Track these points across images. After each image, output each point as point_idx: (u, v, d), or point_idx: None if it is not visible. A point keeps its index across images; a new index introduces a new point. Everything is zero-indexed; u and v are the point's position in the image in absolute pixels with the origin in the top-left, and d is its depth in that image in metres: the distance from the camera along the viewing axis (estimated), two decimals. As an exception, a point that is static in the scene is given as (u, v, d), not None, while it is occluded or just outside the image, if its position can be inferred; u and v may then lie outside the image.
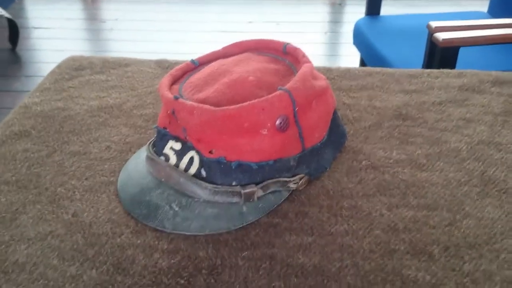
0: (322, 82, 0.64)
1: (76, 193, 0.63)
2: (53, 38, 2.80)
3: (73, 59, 0.92)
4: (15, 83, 2.51)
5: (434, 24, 1.40)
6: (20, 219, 0.59)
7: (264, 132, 0.57)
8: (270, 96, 0.57)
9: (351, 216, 0.59)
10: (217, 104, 0.58)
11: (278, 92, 0.57)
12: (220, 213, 0.58)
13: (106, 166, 0.67)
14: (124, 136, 0.72)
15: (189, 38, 2.76)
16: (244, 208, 0.59)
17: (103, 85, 0.85)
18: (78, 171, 0.66)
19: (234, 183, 0.59)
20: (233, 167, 0.58)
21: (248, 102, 0.56)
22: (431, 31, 1.38)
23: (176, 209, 0.58)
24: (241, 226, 0.57)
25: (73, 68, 0.89)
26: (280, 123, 0.57)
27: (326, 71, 0.88)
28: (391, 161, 0.67)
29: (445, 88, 0.83)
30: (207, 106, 0.57)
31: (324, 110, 0.64)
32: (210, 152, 0.58)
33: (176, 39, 2.75)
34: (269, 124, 0.57)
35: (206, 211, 0.58)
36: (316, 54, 2.63)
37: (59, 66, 0.90)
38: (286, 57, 0.68)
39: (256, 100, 0.57)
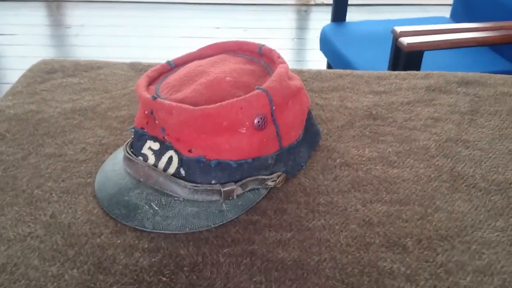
0: (297, 82, 0.66)
1: (53, 195, 0.62)
2: (18, 45, 2.75)
3: (44, 62, 0.91)
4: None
5: (398, 29, 1.44)
6: (-2, 221, 0.58)
7: (243, 130, 0.59)
8: (248, 95, 0.58)
9: (327, 212, 0.60)
10: (195, 104, 0.59)
11: (255, 92, 0.59)
12: (200, 212, 0.59)
13: (82, 167, 0.67)
14: (99, 138, 0.73)
15: (157, 44, 2.76)
16: (224, 206, 0.60)
17: (76, 87, 0.84)
18: (54, 173, 0.66)
19: (213, 182, 0.60)
20: (213, 166, 0.59)
21: (226, 101, 0.57)
22: (396, 36, 1.42)
23: (156, 208, 0.59)
24: (221, 223, 0.58)
25: (44, 71, 0.89)
26: (258, 121, 0.59)
27: (298, 72, 0.89)
28: (364, 158, 0.69)
29: (412, 89, 0.85)
30: (185, 106, 0.57)
31: (299, 109, 0.65)
32: (189, 151, 0.59)
33: (144, 44, 2.74)
34: (247, 123, 0.58)
35: (186, 210, 0.59)
36: (283, 60, 2.66)
37: (30, 70, 0.89)
38: (261, 58, 0.69)
39: (234, 99, 0.58)
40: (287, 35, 2.93)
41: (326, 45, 1.90)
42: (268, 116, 0.60)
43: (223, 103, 0.57)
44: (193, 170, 0.59)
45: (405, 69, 1.45)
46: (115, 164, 0.66)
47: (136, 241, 0.56)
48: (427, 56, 1.39)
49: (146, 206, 0.59)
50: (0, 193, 0.62)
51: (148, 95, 0.60)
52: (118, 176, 0.63)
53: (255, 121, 0.59)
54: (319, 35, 1.97)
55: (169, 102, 0.58)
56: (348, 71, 0.90)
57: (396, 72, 0.90)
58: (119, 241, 0.56)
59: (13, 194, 0.62)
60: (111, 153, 0.70)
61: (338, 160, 0.69)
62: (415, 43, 1.39)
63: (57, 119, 0.76)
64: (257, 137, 0.60)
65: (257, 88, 0.59)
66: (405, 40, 1.39)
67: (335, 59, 1.82)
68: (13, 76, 2.49)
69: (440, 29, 1.51)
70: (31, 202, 0.61)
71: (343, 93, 0.84)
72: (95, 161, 0.68)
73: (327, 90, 0.85)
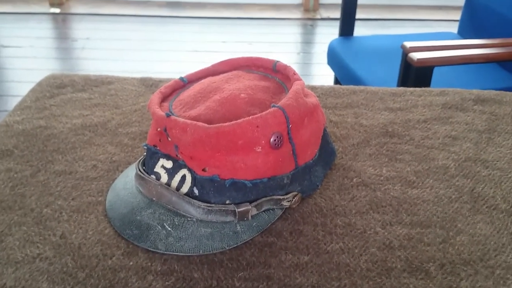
0: (313, 99, 0.64)
1: (63, 213, 0.61)
2: (24, 57, 2.75)
3: (53, 76, 0.90)
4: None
5: (408, 44, 1.42)
6: (6, 242, 0.56)
7: (258, 149, 0.57)
8: (264, 113, 0.57)
9: (346, 234, 0.58)
10: (209, 122, 0.58)
11: (272, 109, 0.57)
12: (214, 233, 0.57)
13: (93, 185, 0.65)
14: (110, 154, 0.71)
15: (164, 57, 2.75)
16: (238, 227, 0.58)
17: (86, 103, 0.83)
18: (64, 191, 0.64)
19: (227, 202, 0.58)
20: (227, 185, 0.57)
21: (242, 119, 0.56)
22: (406, 51, 1.41)
23: (169, 229, 0.57)
24: (235, 246, 0.56)
25: (54, 86, 0.87)
26: (274, 140, 0.57)
27: (310, 89, 0.88)
28: (382, 178, 0.67)
29: (428, 106, 0.84)
30: (200, 124, 0.56)
31: (315, 127, 0.64)
32: (203, 170, 0.57)
33: (151, 58, 2.74)
34: (263, 142, 0.57)
35: (200, 231, 0.57)
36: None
37: (39, 84, 0.88)
38: (276, 75, 0.68)
39: (250, 117, 0.56)
40: (293, 49, 2.92)
41: (333, 59, 1.89)
42: (284, 135, 0.58)
43: (238, 121, 0.56)
44: (207, 189, 0.58)
45: (415, 85, 1.43)
46: (126, 183, 0.64)
47: (149, 263, 0.54)
48: (435, 72, 1.38)
49: (159, 227, 0.57)
50: (7, 212, 0.61)
51: (161, 112, 0.59)
52: (130, 195, 0.62)
53: (271, 139, 0.57)
54: (325, 49, 1.96)
55: (183, 120, 0.57)
56: (362, 87, 0.88)
57: (411, 89, 0.88)
58: (131, 263, 0.54)
59: (21, 213, 0.61)
60: (122, 171, 0.68)
61: (354, 180, 0.67)
62: (425, 58, 1.37)
63: (67, 135, 0.75)
64: (273, 156, 0.58)
65: (273, 106, 0.58)
66: (415, 56, 1.37)
67: (343, 73, 1.81)
68: (20, 89, 2.49)
69: (449, 45, 1.50)
70: (40, 222, 0.59)
71: (357, 109, 0.82)
72: (106, 178, 0.66)
73: (341, 106, 0.83)
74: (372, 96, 0.86)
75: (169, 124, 0.57)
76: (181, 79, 0.68)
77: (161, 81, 0.90)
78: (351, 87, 0.89)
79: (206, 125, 0.56)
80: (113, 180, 0.66)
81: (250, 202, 0.58)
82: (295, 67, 2.73)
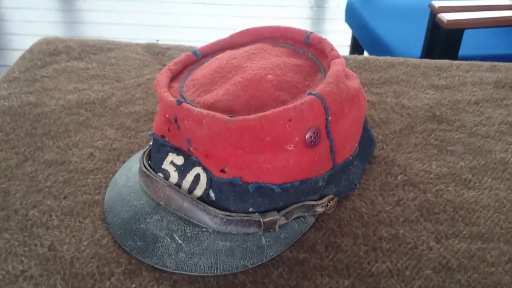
0: (355, 82, 0.53)
1: (53, 217, 0.51)
2: (23, 8, 2.60)
3: (46, 41, 0.78)
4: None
5: (437, 3, 1.29)
6: (-18, 256, 0.47)
7: (290, 148, 0.46)
8: (298, 103, 0.45)
9: (393, 250, 0.48)
10: (229, 110, 0.47)
11: (308, 98, 0.46)
12: (234, 247, 0.47)
13: (89, 180, 0.55)
14: (109, 140, 0.60)
15: (184, 22, 2.59)
16: (263, 240, 0.48)
17: (83, 74, 0.72)
18: (54, 187, 0.54)
19: (251, 209, 0.48)
20: (251, 191, 0.47)
21: (271, 111, 0.45)
22: (434, 11, 1.27)
23: (179, 241, 0.47)
24: (260, 263, 0.46)
25: (46, 53, 0.76)
26: (311, 137, 0.46)
27: (342, 60, 0.76)
28: (432, 175, 0.56)
29: (479, 84, 0.72)
30: (219, 115, 0.45)
31: (357, 116, 0.52)
32: (222, 170, 0.47)
33: (169, 23, 2.58)
34: (296, 139, 0.46)
35: (217, 245, 0.47)
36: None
37: (30, 51, 0.77)
38: (308, 49, 0.56)
39: (281, 109, 0.45)
40: (305, 3, 2.76)
41: (352, 17, 1.75)
42: (322, 129, 0.47)
43: (267, 113, 0.45)
44: (226, 194, 0.47)
45: (443, 49, 1.31)
46: (128, 178, 0.54)
47: (155, 285, 0.45)
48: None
49: (168, 239, 0.47)
50: (-13, 214, 0.51)
51: (171, 98, 0.48)
52: (133, 195, 0.51)
53: (307, 136, 0.46)
54: (340, 3, 1.81)
55: (198, 109, 0.46)
56: (401, 59, 0.77)
57: (457, 62, 0.76)
58: (133, 286, 0.45)
59: (4, 216, 0.51)
60: (124, 161, 0.57)
61: (399, 177, 0.56)
62: (456, 20, 1.24)
63: (60, 115, 0.64)
64: (308, 156, 0.47)
65: (310, 93, 0.46)
66: (445, 17, 1.24)
67: (363, 33, 1.67)
68: (19, 43, 2.36)
69: (483, 5, 1.36)
70: (25, 227, 0.50)
71: (397, 87, 0.71)
72: (105, 171, 0.56)
73: (378, 83, 0.72)
74: (413, 71, 0.74)
75: (180, 113, 0.46)
76: (194, 52, 0.57)
77: (168, 48, 0.78)
78: (389, 58, 0.77)
79: (226, 117, 0.45)
80: (113, 174, 0.56)
81: (278, 210, 0.48)
82: (308, 23, 2.58)
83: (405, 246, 0.49)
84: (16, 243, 0.48)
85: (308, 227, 0.50)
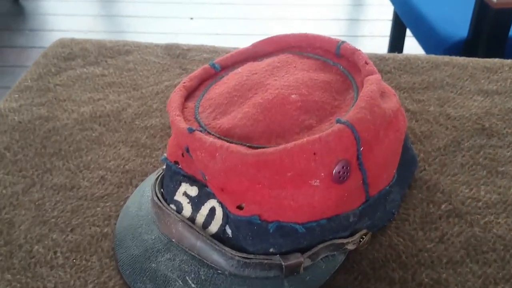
0: (392, 101, 0.46)
1: (58, 254, 0.47)
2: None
3: (62, 44, 0.74)
4: (20, 38, 2.32)
5: (487, -20, 1.18)
6: (-20, 303, 0.43)
7: (315, 183, 0.40)
8: (324, 134, 0.39)
9: (435, 300, 0.42)
10: (247, 137, 0.41)
11: (336, 127, 0.40)
12: None
13: (98, 209, 0.51)
14: (123, 160, 0.56)
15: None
16: (286, 284, 0.42)
17: (98, 82, 0.67)
18: (61, 218, 0.50)
19: (271, 250, 0.42)
20: (271, 230, 0.41)
21: (293, 144, 0.39)
22: (483, -12, 1.17)
23: (193, 285, 0.42)
24: None
25: (61, 58, 0.71)
26: (339, 172, 0.40)
27: (379, 60, 0.69)
28: (480, 204, 0.50)
29: (536, 86, 0.64)
30: (233, 148, 0.39)
31: (394, 140, 0.46)
32: (239, 207, 0.41)
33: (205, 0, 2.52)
34: (322, 174, 0.40)
35: None
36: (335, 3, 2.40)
37: (44, 55, 0.72)
38: (339, 60, 0.49)
39: (304, 141, 0.39)
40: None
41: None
42: (352, 162, 0.41)
43: (288, 146, 0.39)
44: (243, 233, 0.42)
45: (491, 30, 1.21)
46: (141, 206, 0.49)
47: None
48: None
49: (180, 282, 0.43)
50: (-10, 250, 0.47)
51: (183, 125, 0.42)
52: (144, 227, 0.47)
53: (335, 171, 0.40)
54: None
55: (211, 140, 0.40)
56: (446, 58, 0.69)
57: (509, 62, 0.68)
58: None
59: (7, 252, 0.47)
60: (136, 185, 0.53)
61: (443, 207, 0.50)
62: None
63: (72, 131, 0.60)
64: (336, 192, 0.41)
65: (338, 121, 0.40)
66: (494, -5, 1.14)
67: (405, 10, 1.56)
68: (55, 23, 2.35)
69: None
70: (28, 266, 0.46)
71: (442, 92, 0.63)
72: (116, 198, 0.52)
73: (420, 88, 0.64)
74: (459, 72, 0.66)
75: (192, 143, 0.41)
76: (212, 65, 0.51)
77: (189, 49, 0.73)
78: (433, 57, 0.69)
79: (242, 150, 0.39)
80: (125, 201, 0.51)
81: (302, 251, 0.42)
82: (343, -2, 2.46)
83: (449, 294, 0.43)
84: (18, 285, 0.44)
85: (337, 267, 0.44)
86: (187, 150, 0.42)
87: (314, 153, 0.39)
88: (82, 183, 0.53)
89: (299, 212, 0.41)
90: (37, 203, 0.51)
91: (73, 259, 0.46)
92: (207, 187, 0.43)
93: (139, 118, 0.61)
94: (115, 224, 0.49)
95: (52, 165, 0.55)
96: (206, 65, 0.51)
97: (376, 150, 0.43)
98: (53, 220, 0.50)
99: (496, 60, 0.68)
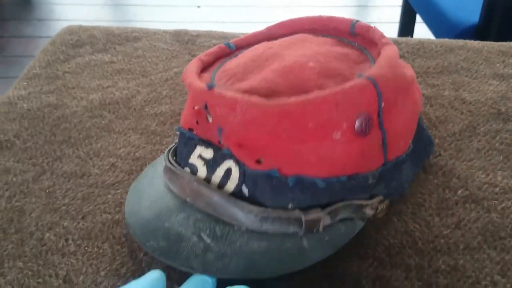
0: (409, 70, 0.45)
1: (70, 241, 0.46)
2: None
3: (70, 31, 0.73)
4: (27, 27, 2.32)
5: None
6: (-8, 291, 0.43)
7: (337, 136, 0.40)
8: (347, 85, 0.39)
9: (452, 287, 0.41)
10: (267, 96, 0.40)
11: (358, 81, 0.39)
12: (271, 249, 0.40)
13: (109, 196, 0.50)
14: (133, 148, 0.55)
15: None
16: (305, 243, 0.41)
17: (107, 69, 0.67)
18: (72, 206, 0.49)
19: (290, 206, 0.41)
20: (290, 184, 0.40)
21: (315, 94, 0.39)
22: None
23: (208, 241, 0.41)
24: (303, 268, 0.39)
25: (69, 45, 0.71)
26: (361, 124, 0.39)
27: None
28: (497, 189, 0.49)
29: (553, 69, 0.62)
30: (255, 99, 0.39)
31: (411, 112, 0.45)
32: (258, 161, 0.41)
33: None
34: (344, 126, 0.39)
35: (251, 245, 0.40)
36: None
37: (53, 43, 0.72)
38: (354, 39, 0.49)
39: (327, 91, 0.39)
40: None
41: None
42: (373, 117, 0.40)
43: (309, 96, 0.38)
44: (262, 188, 0.41)
45: (505, 14, 1.19)
46: (153, 178, 0.48)
47: (178, 326, 0.40)
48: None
49: (194, 238, 0.41)
50: (1, 236, 0.47)
51: (201, 84, 0.42)
52: (156, 194, 0.46)
53: (357, 123, 0.39)
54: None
55: (231, 93, 0.40)
56: (460, 42, 0.67)
57: (526, 44, 0.67)
58: (154, 327, 0.40)
59: (18, 240, 0.47)
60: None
61: (459, 192, 0.49)
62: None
63: (81, 118, 0.59)
64: (357, 146, 0.40)
65: (359, 76, 0.40)
66: (508, -24, 1.13)
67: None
68: (62, 12, 2.34)
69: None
70: (39, 254, 0.45)
71: (457, 77, 0.62)
72: (126, 185, 0.51)
73: (434, 72, 0.63)
74: (474, 56, 0.65)
75: (211, 99, 0.41)
76: (227, 45, 0.50)
77: (198, 35, 0.72)
78: (446, 41, 0.68)
79: (263, 101, 0.39)
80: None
81: (322, 207, 0.41)
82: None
83: (465, 281, 0.42)
84: (30, 273, 0.44)
85: (356, 232, 0.42)
86: (205, 107, 0.41)
87: (337, 104, 0.38)
88: (92, 170, 0.53)
89: (319, 166, 0.40)
90: (47, 191, 0.51)
91: (85, 247, 0.46)
92: (223, 150, 0.42)
93: (149, 105, 0.61)
94: (127, 197, 0.48)
95: (62, 153, 0.55)
96: (221, 44, 0.50)
97: (395, 114, 0.43)
98: (64, 207, 0.49)
99: (512, 43, 0.67)
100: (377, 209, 0.44)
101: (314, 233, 0.41)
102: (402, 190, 0.47)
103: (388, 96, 0.41)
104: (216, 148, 0.43)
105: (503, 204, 0.47)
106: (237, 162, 0.42)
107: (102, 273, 0.44)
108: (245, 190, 0.41)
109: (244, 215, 0.41)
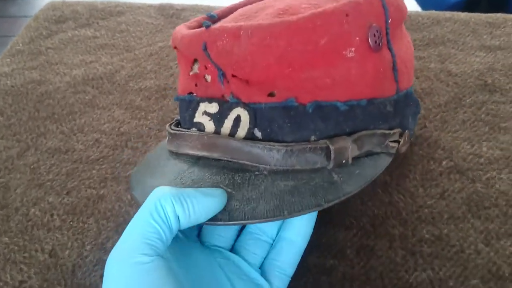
0: (404, 5, 0.46)
1: (55, 216, 0.46)
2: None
3: (53, 7, 0.72)
4: (12, 7, 2.29)
5: None
6: (-23, 266, 0.43)
7: (350, 54, 0.38)
8: None
9: (435, 255, 0.42)
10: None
11: None
12: (300, 186, 0.37)
13: (94, 171, 0.50)
14: (117, 123, 0.55)
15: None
16: (335, 176, 0.37)
17: (90, 44, 0.66)
18: (57, 181, 0.49)
19: (313, 138, 0.38)
20: (310, 111, 0.38)
21: (323, 8, 0.37)
22: None
23: (228, 190, 0.37)
24: (337, 200, 0.36)
25: (52, 21, 0.70)
26: (374, 35, 0.38)
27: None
28: (482, 160, 0.49)
29: (539, 41, 0.62)
30: (259, 21, 0.37)
31: (409, 48, 0.45)
32: (270, 95, 0.38)
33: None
34: (357, 38, 0.37)
35: (277, 185, 0.37)
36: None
37: (35, 18, 0.71)
38: None
39: (335, 4, 0.37)
40: None
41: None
42: (383, 31, 0.39)
43: (317, 10, 0.37)
44: (279, 123, 0.38)
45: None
46: (158, 158, 0.45)
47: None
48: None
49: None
50: (-15, 214, 0.47)
51: (196, 30, 0.40)
52: (163, 168, 0.42)
53: (369, 34, 0.38)
54: None
55: (233, 24, 0.38)
56: (448, 14, 0.67)
57: (513, 15, 0.66)
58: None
59: (4, 216, 0.46)
60: (132, 148, 0.52)
61: (444, 163, 0.49)
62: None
63: (65, 94, 0.58)
64: (372, 62, 0.39)
65: None
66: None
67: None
68: (45, -7, 2.30)
69: None
70: (25, 229, 0.45)
71: (443, 49, 0.62)
72: (111, 160, 0.51)
73: (421, 44, 0.63)
74: (461, 28, 0.65)
75: (211, 36, 0.38)
76: (210, 15, 0.49)
77: (183, 9, 0.71)
78: (434, 13, 0.67)
79: (269, 20, 0.37)
80: (120, 162, 0.50)
81: (347, 135, 0.39)
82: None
83: (449, 249, 0.42)
84: (16, 248, 0.44)
85: (384, 167, 0.40)
86: (205, 48, 0.38)
87: (347, 15, 0.37)
88: (76, 146, 0.53)
89: (336, 90, 0.38)
90: (32, 167, 0.51)
91: (70, 221, 0.46)
92: (228, 102, 0.40)
93: (133, 80, 0.60)
94: (112, 186, 0.48)
95: (45, 129, 0.54)
96: (204, 15, 0.49)
97: (398, 39, 0.42)
98: (48, 183, 0.49)
99: (499, 15, 0.67)
100: (400, 142, 0.42)
101: (342, 167, 0.38)
102: (413, 126, 0.46)
103: (393, 16, 0.40)
104: (221, 102, 0.40)
105: (488, 175, 0.48)
106: (245, 106, 0.39)
107: (88, 247, 0.44)
108: (258, 133, 0.39)
109: (267, 153, 0.37)
